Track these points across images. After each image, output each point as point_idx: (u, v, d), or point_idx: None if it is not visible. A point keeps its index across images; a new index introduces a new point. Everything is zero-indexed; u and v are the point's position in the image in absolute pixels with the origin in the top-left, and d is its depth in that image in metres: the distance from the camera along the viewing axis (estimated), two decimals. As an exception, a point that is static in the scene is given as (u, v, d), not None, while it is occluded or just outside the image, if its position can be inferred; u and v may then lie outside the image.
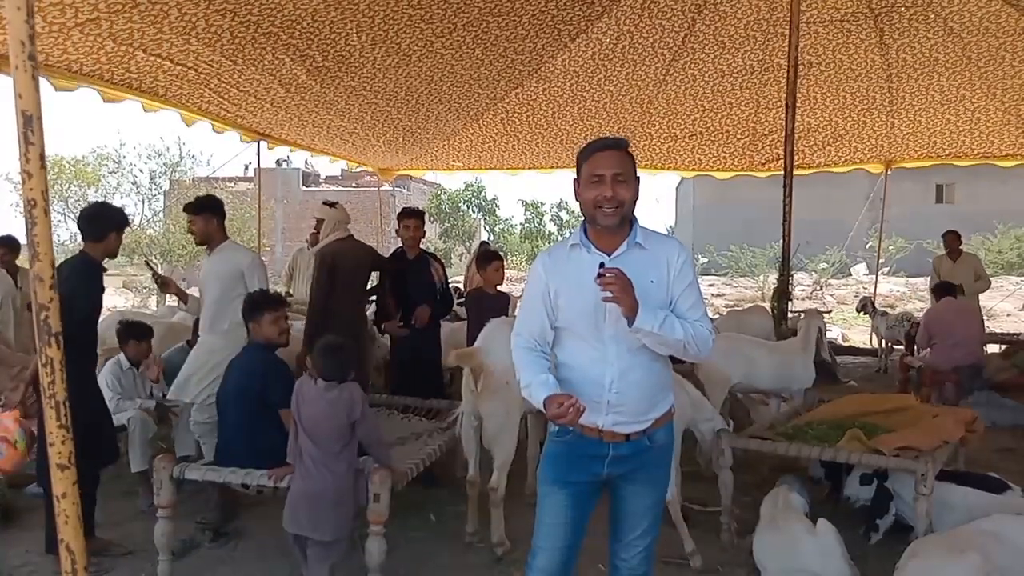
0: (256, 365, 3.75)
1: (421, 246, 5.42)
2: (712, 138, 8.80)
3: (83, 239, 3.91)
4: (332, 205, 5.30)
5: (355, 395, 3.36)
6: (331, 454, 3.28)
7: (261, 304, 3.90)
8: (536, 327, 2.41)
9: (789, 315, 6.20)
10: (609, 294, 2.17)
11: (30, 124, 1.89)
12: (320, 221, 5.25)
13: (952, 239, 8.75)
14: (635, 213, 2.37)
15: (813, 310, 5.88)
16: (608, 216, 2.29)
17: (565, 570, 2.46)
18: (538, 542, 2.46)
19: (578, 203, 2.40)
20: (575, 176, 2.39)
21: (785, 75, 5.71)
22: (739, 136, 8.68)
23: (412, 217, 5.30)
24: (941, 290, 7.06)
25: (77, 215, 4.99)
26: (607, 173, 2.28)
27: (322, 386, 3.34)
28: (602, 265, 2.22)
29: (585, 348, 2.35)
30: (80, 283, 3.70)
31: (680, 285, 2.34)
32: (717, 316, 12.14)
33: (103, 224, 3.89)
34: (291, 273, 9.19)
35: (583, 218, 2.42)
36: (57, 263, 2.10)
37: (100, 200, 4.45)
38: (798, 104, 5.96)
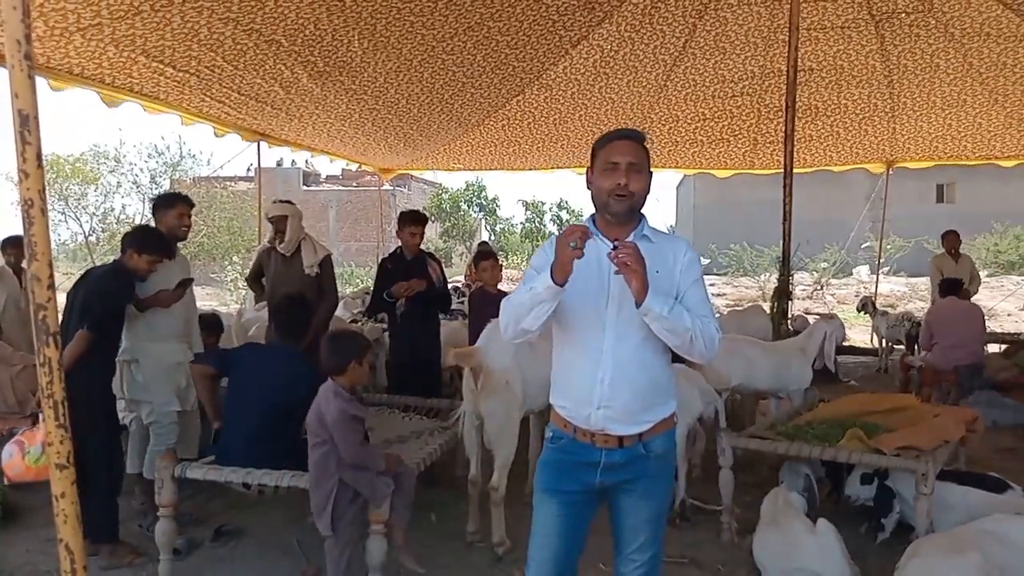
0: (305, 372, 3.61)
1: (420, 246, 5.41)
2: (713, 141, 8.78)
3: None
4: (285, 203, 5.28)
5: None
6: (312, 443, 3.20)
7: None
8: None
9: (790, 315, 6.19)
10: (620, 271, 2.11)
11: (27, 123, 1.88)
12: (282, 219, 5.12)
13: (954, 239, 8.72)
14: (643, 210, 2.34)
15: (828, 315, 5.86)
16: (619, 203, 2.24)
17: None
18: (531, 552, 2.39)
19: (589, 191, 2.33)
20: (589, 165, 2.34)
21: (785, 79, 5.71)
22: (740, 140, 8.67)
23: (417, 224, 5.22)
24: (946, 287, 6.89)
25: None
26: (622, 161, 2.23)
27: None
28: (616, 243, 2.15)
29: (582, 336, 2.27)
30: (98, 285, 3.85)
31: (687, 280, 2.28)
32: (718, 316, 12.16)
33: (124, 241, 4.08)
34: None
35: (593, 210, 2.36)
36: (56, 263, 2.11)
37: (147, 224, 4.61)
38: (798, 110, 5.97)
